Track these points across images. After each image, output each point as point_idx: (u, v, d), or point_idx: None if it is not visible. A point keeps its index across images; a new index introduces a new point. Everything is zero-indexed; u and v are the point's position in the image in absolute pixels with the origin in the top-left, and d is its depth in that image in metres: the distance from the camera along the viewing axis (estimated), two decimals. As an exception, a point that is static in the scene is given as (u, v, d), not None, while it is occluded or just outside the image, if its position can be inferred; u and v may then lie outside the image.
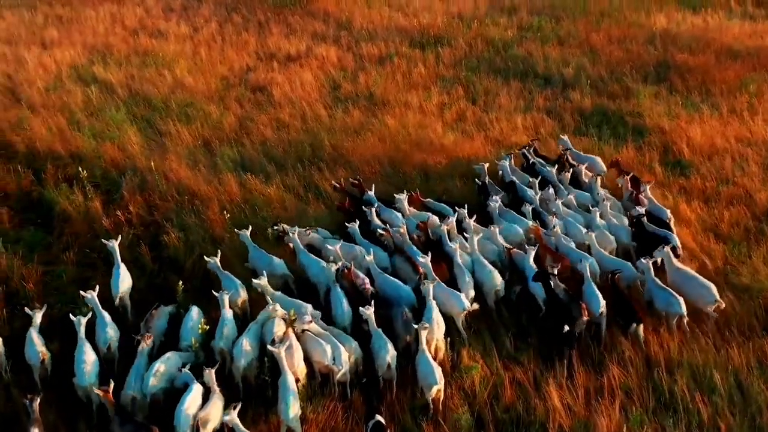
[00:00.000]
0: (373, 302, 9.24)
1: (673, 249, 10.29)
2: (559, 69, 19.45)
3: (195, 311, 9.46)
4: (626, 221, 11.44)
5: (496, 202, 11.76)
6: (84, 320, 8.78)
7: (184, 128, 15.86)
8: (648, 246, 10.52)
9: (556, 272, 9.50)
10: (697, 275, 9.82)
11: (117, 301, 10.00)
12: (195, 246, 11.52)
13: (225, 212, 12.25)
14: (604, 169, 13.27)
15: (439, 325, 9.03)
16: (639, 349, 9.02)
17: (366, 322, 8.90)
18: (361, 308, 8.93)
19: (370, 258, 10.19)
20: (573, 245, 10.70)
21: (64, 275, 11.13)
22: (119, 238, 10.53)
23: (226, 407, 7.82)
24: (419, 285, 9.62)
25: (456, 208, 11.57)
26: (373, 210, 11.72)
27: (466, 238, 10.74)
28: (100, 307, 9.22)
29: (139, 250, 11.46)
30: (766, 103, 16.79)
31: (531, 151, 13.72)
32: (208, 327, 9.21)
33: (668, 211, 11.51)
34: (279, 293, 9.64)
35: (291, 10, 25.86)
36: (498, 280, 9.97)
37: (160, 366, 8.45)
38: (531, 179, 12.63)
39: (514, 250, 10.54)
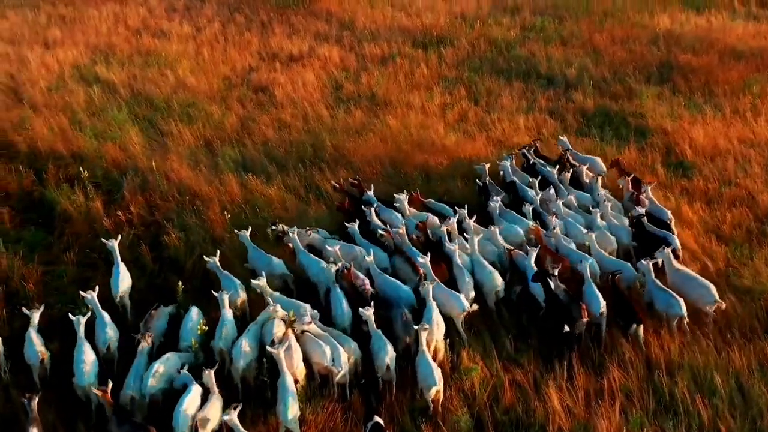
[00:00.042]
0: (372, 303, 9.22)
1: (674, 250, 10.26)
2: (562, 69, 19.42)
3: (195, 312, 9.45)
4: (627, 222, 11.41)
5: (496, 203, 11.74)
6: (83, 320, 8.79)
7: (186, 128, 15.87)
8: (648, 247, 10.50)
9: (556, 273, 9.48)
10: (696, 275, 9.80)
11: (117, 300, 10.01)
12: (195, 246, 11.52)
13: (226, 213, 12.24)
14: (605, 169, 13.25)
15: (438, 326, 9.01)
16: (639, 351, 8.99)
17: (366, 323, 8.88)
18: (360, 309, 8.92)
19: (370, 258, 10.18)
20: (573, 246, 10.67)
21: (65, 275, 11.14)
22: (119, 237, 10.53)
23: (225, 408, 7.81)
24: (419, 286, 9.61)
25: (456, 208, 11.55)
26: (373, 210, 11.70)
27: (466, 239, 10.72)
28: (100, 308, 9.22)
29: (140, 251, 11.47)
30: (769, 104, 16.74)
31: (531, 151, 13.70)
32: (207, 328, 9.21)
33: (669, 212, 11.48)
34: (277, 294, 9.63)
35: (294, 10, 25.89)
36: (498, 280, 9.95)
37: (159, 367, 8.45)
38: (531, 179, 12.61)
39: (515, 250, 10.52)
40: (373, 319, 8.80)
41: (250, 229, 10.94)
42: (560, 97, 17.76)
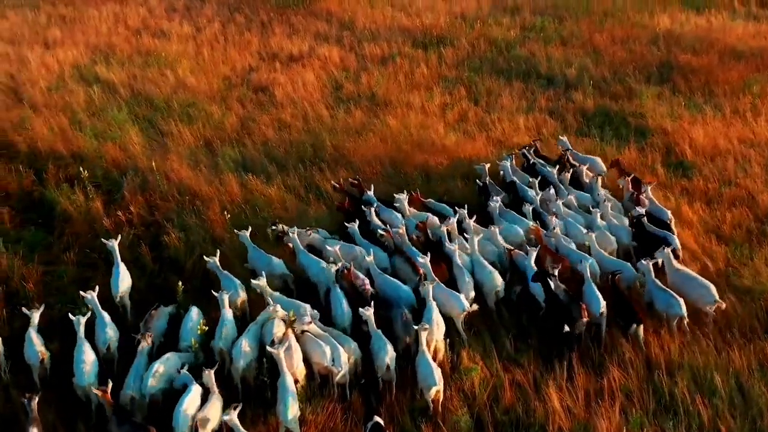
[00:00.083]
0: (372, 303, 9.22)
1: (673, 250, 10.26)
2: (562, 69, 19.42)
3: (195, 312, 9.45)
4: (627, 222, 11.41)
5: (496, 203, 11.74)
6: (83, 320, 8.79)
7: (186, 128, 15.87)
8: (648, 246, 10.49)
9: (556, 273, 9.48)
10: (696, 275, 9.81)
11: (117, 300, 10.01)
12: (195, 246, 11.52)
13: (226, 213, 12.24)
14: (605, 169, 13.25)
15: (438, 326, 9.01)
16: (639, 351, 8.99)
17: (366, 323, 8.88)
18: (360, 309, 8.91)
19: (370, 258, 10.18)
20: (573, 246, 10.67)
21: (65, 275, 11.14)
22: (119, 237, 10.53)
23: (225, 408, 7.81)
24: (419, 286, 9.61)
25: (456, 208, 11.54)
26: (372, 210, 11.70)
27: (466, 239, 10.72)
28: (100, 308, 9.22)
29: (140, 251, 11.47)
30: (769, 104, 16.74)
31: (531, 151, 13.70)
32: (207, 328, 9.21)
33: (669, 212, 11.48)
34: (277, 294, 9.63)
35: (294, 10, 25.88)
36: (498, 280, 9.95)
37: (159, 367, 8.45)
38: (531, 179, 12.62)
39: (515, 250, 10.52)
40: (373, 319, 8.80)
41: (250, 229, 10.94)
42: (560, 97, 17.76)
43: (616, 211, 11.80)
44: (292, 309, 9.07)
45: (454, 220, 11.11)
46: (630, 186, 12.23)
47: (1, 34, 22.92)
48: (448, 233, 10.86)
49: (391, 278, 10.05)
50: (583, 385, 8.55)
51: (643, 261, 9.86)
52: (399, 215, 11.75)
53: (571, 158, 13.32)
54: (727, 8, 24.87)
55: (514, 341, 9.41)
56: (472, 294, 9.78)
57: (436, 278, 9.75)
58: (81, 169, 13.68)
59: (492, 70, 19.72)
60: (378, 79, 18.84)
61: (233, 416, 7.55)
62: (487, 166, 12.95)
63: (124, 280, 10.10)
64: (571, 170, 13.00)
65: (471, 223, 11.09)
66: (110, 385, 7.98)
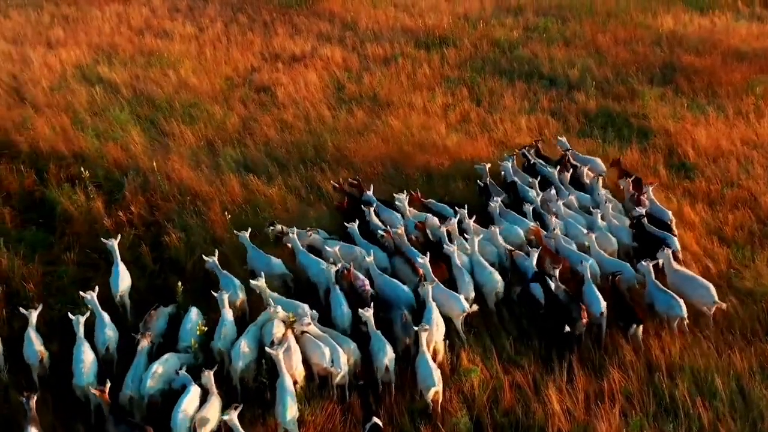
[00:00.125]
0: (372, 304, 9.19)
1: (673, 252, 10.22)
2: (565, 70, 19.36)
3: (194, 312, 9.45)
4: (627, 222, 11.38)
5: (496, 203, 11.71)
6: (83, 320, 8.79)
7: (188, 128, 15.85)
8: (648, 247, 10.46)
9: (556, 273, 9.45)
10: (695, 276, 9.80)
11: (117, 300, 10.00)
12: (196, 247, 11.49)
13: (227, 213, 12.23)
14: (605, 170, 13.21)
15: (438, 327, 9.00)
16: (640, 353, 8.96)
17: (365, 323, 8.86)
18: (360, 310, 8.90)
19: (369, 259, 10.16)
20: (574, 246, 10.65)
21: (65, 275, 11.12)
22: (119, 237, 10.53)
23: (224, 409, 7.80)
24: (419, 286, 9.58)
25: (456, 208, 11.52)
26: (372, 210, 11.68)
27: (466, 239, 10.69)
28: (100, 308, 9.22)
29: (140, 251, 11.45)
30: (772, 105, 16.68)
31: (532, 151, 13.67)
32: (206, 328, 9.20)
33: (670, 213, 11.45)
34: (276, 294, 9.61)
35: (296, 11, 25.83)
36: (498, 281, 9.93)
37: (158, 367, 8.45)
38: (531, 179, 12.59)
39: (516, 251, 10.49)
40: (372, 320, 8.79)
41: (249, 229, 10.92)
42: (563, 97, 17.70)
43: (617, 211, 11.77)
44: (291, 309, 9.06)
45: (455, 221, 11.08)
46: (631, 187, 12.19)
47: (3, 34, 22.92)
48: (448, 234, 10.84)
49: (391, 279, 10.04)
50: (583, 387, 8.53)
51: (643, 262, 9.83)
52: (398, 215, 11.73)
53: (571, 158, 13.28)
54: (730, 9, 24.76)
55: (514, 342, 9.39)
56: (472, 295, 9.77)
57: (436, 279, 9.73)
58: (82, 169, 13.66)
59: (494, 70, 19.67)
60: (380, 79, 18.81)
61: (233, 416, 7.54)
62: (488, 166, 12.93)
63: (123, 280, 10.10)
64: (572, 171, 12.96)
65: (471, 223, 11.07)
66: (108, 384, 7.98)
